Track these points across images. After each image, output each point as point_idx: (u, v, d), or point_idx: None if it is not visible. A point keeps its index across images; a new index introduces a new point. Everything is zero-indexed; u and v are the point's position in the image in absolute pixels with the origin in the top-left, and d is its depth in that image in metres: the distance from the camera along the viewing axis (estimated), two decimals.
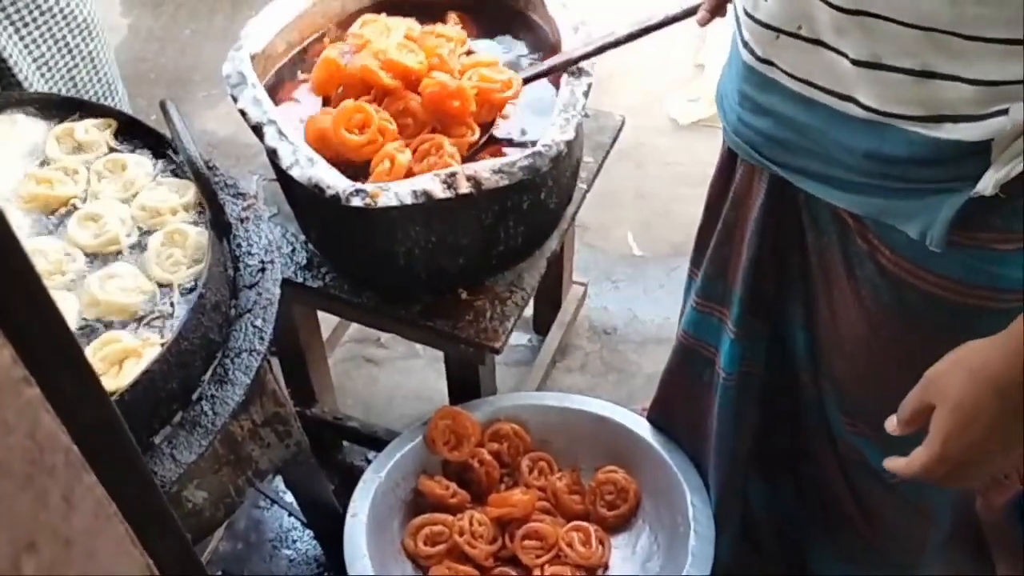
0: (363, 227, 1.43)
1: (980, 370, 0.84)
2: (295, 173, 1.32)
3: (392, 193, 1.28)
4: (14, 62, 1.50)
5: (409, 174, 1.35)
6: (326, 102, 1.48)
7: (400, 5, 1.59)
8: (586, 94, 1.43)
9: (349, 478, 1.70)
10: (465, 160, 1.39)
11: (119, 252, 1.21)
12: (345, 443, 2.00)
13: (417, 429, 1.60)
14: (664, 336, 2.16)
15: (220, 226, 1.24)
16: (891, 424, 0.94)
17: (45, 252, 1.18)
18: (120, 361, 1.08)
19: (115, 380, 1.05)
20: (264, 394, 1.33)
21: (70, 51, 1.60)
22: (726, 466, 1.46)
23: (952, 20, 0.84)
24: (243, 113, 1.39)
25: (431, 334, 1.51)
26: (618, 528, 1.59)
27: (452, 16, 1.58)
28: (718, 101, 1.19)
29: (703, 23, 1.31)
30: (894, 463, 0.93)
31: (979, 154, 0.90)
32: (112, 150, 1.33)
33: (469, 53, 1.52)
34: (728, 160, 1.24)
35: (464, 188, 1.29)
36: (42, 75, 1.56)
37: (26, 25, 1.52)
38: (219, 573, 1.87)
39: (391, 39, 1.45)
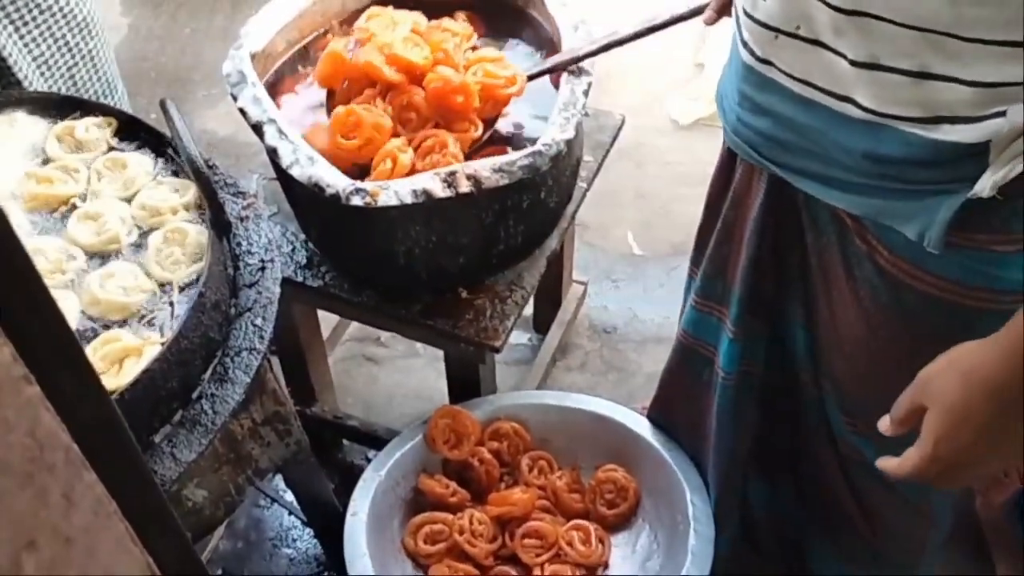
0: (363, 226, 1.43)
1: (973, 372, 0.84)
2: (295, 172, 1.32)
3: (392, 192, 1.28)
4: (14, 61, 1.50)
5: (412, 171, 1.35)
6: (330, 95, 1.48)
7: (404, 1, 1.59)
8: (586, 93, 1.43)
9: (349, 477, 1.71)
10: (467, 155, 1.39)
11: (119, 251, 1.21)
12: (345, 442, 2.00)
13: (417, 428, 1.60)
14: (664, 335, 2.16)
15: (220, 225, 1.24)
16: (884, 424, 0.94)
17: (45, 251, 1.18)
18: (120, 360, 1.08)
19: (115, 379, 1.06)
20: (264, 393, 1.33)
21: (70, 50, 1.60)
22: (725, 465, 1.46)
23: (950, 21, 0.84)
24: (243, 112, 1.40)
25: (431, 333, 1.51)
26: (618, 527, 1.59)
27: (460, 15, 1.58)
28: (718, 101, 1.19)
29: (709, 23, 1.31)
30: (886, 463, 0.93)
31: (977, 156, 0.90)
32: (112, 149, 1.33)
33: (475, 49, 1.52)
34: (728, 160, 1.24)
35: (464, 187, 1.29)
36: (42, 74, 1.56)
37: (26, 24, 1.52)
38: (219, 572, 1.87)
39: (397, 33, 1.45)
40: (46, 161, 1.31)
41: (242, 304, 1.23)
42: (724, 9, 1.30)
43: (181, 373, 1.11)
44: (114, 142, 1.34)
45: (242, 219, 1.32)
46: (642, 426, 1.61)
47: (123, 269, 1.18)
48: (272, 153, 1.36)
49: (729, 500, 1.50)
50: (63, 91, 1.60)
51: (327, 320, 1.95)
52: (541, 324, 2.15)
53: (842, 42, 0.92)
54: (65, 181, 1.28)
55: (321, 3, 1.59)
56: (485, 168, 1.30)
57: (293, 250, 1.58)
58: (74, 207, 1.26)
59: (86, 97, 1.63)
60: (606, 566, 1.54)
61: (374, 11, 1.52)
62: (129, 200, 1.27)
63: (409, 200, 1.28)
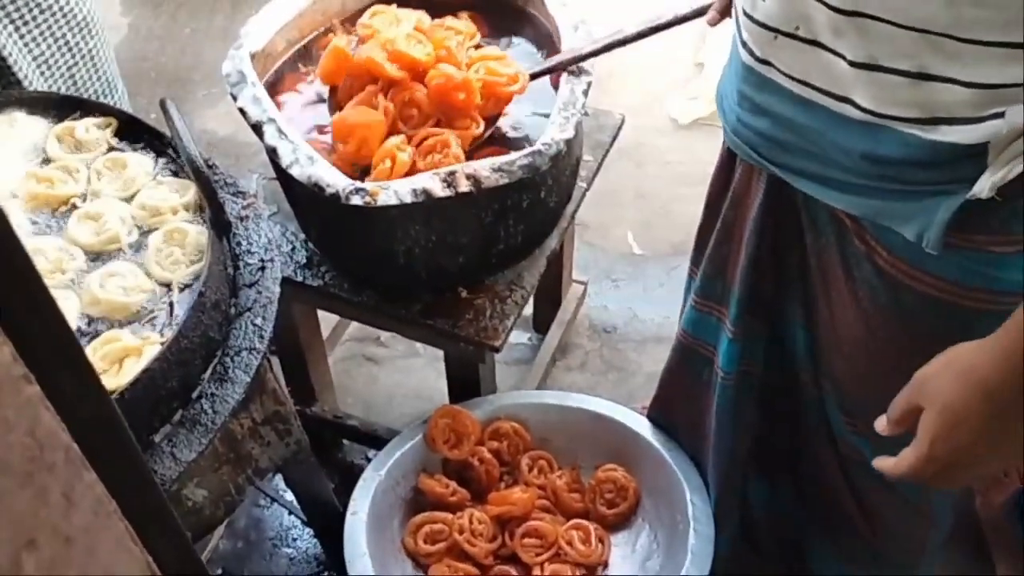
0: (363, 226, 1.43)
1: (969, 373, 0.84)
2: (295, 172, 1.32)
3: (391, 192, 1.28)
4: (14, 60, 1.50)
5: (413, 169, 1.35)
6: (333, 91, 1.48)
7: (408, 0, 1.59)
8: (586, 93, 1.43)
9: (349, 476, 1.71)
10: (468, 152, 1.39)
11: (119, 251, 1.22)
12: (345, 441, 2.00)
13: (417, 427, 1.60)
14: (664, 335, 2.16)
15: (220, 225, 1.24)
16: (881, 424, 0.94)
17: (45, 251, 1.19)
18: (120, 360, 1.08)
19: (115, 379, 1.06)
20: (264, 392, 1.33)
21: (70, 49, 1.60)
22: (725, 465, 1.46)
23: (948, 22, 0.84)
24: (243, 112, 1.40)
25: (431, 333, 1.51)
26: (618, 526, 1.59)
27: (464, 15, 1.58)
28: (718, 101, 1.19)
29: (713, 23, 1.31)
30: (883, 463, 0.94)
31: (975, 157, 0.90)
32: (112, 149, 1.34)
33: (478, 47, 1.52)
34: (727, 159, 1.24)
35: (464, 187, 1.29)
36: (42, 73, 1.56)
37: (26, 23, 1.52)
38: (219, 571, 1.87)
39: (400, 30, 1.45)
40: (46, 161, 1.31)
41: (242, 304, 1.23)
42: (727, 10, 1.30)
43: (181, 373, 1.11)
44: (114, 142, 1.34)
45: (242, 219, 1.32)
46: (642, 426, 1.61)
47: (123, 269, 1.18)
48: (272, 153, 1.36)
49: (729, 500, 1.51)
50: (63, 91, 1.60)
51: (327, 320, 1.95)
52: (541, 324, 2.15)
53: (841, 43, 0.92)
54: (65, 181, 1.28)
55: (321, 3, 1.59)
56: (485, 168, 1.30)
57: (293, 250, 1.58)
58: (74, 207, 1.26)
59: (86, 97, 1.63)
60: (606, 565, 1.54)
61: (378, 8, 1.53)
62: (129, 200, 1.27)
63: (409, 200, 1.28)
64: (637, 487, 1.59)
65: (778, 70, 1.01)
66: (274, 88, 1.52)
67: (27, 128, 1.34)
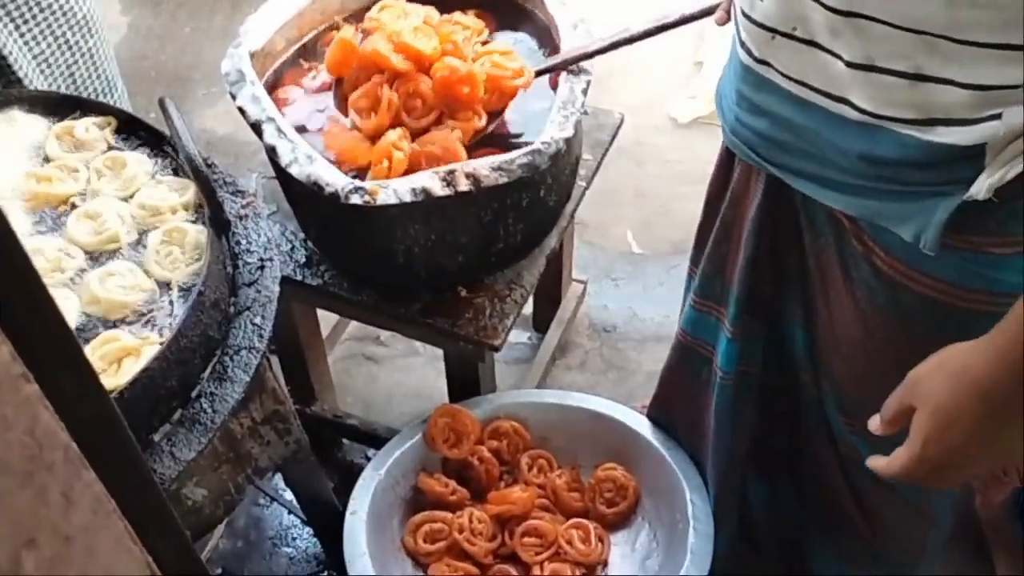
0: (362, 225, 1.43)
1: (962, 373, 0.84)
2: (294, 171, 1.32)
3: (391, 191, 1.28)
4: (14, 59, 1.50)
5: (414, 160, 1.35)
6: (339, 83, 1.48)
7: None
8: (585, 92, 1.43)
9: (349, 476, 1.70)
10: (470, 146, 1.39)
11: (118, 250, 1.22)
12: (345, 441, 2.01)
13: (417, 427, 1.60)
14: (664, 334, 2.16)
15: (219, 224, 1.24)
16: (874, 424, 0.94)
17: (44, 250, 1.19)
18: (119, 359, 1.08)
19: (114, 378, 1.06)
20: (263, 392, 1.33)
21: (70, 48, 1.60)
22: (723, 465, 1.47)
23: (946, 24, 0.84)
24: (242, 111, 1.40)
25: (431, 332, 1.51)
26: (617, 525, 1.59)
27: (471, 12, 1.58)
28: (717, 101, 1.19)
29: (721, 23, 1.30)
30: (876, 462, 0.94)
31: (973, 158, 0.90)
32: (112, 148, 1.34)
33: (484, 44, 1.52)
34: (726, 159, 1.24)
35: (463, 186, 1.29)
36: (41, 72, 1.56)
37: (26, 22, 1.52)
38: (219, 571, 1.87)
39: (407, 23, 1.45)
40: (46, 160, 1.31)
41: (241, 303, 1.23)
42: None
43: (180, 372, 1.11)
44: (113, 141, 1.34)
45: (241, 218, 1.32)
46: (642, 425, 1.61)
47: (122, 268, 1.18)
48: (271, 152, 1.36)
49: (727, 499, 1.51)
50: (63, 89, 1.60)
51: (326, 319, 1.95)
52: (541, 323, 2.15)
53: (838, 43, 0.92)
54: (64, 180, 1.28)
55: (320, 2, 1.59)
56: (484, 167, 1.30)
57: (292, 249, 1.58)
58: (73, 206, 1.26)
59: (85, 96, 1.63)
60: (605, 565, 1.54)
61: (386, 3, 1.52)
62: (128, 199, 1.27)
63: (408, 199, 1.28)
64: (637, 486, 1.59)
65: (776, 70, 1.01)
66: (274, 86, 1.52)
67: (27, 127, 1.34)
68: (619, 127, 1.78)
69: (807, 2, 0.92)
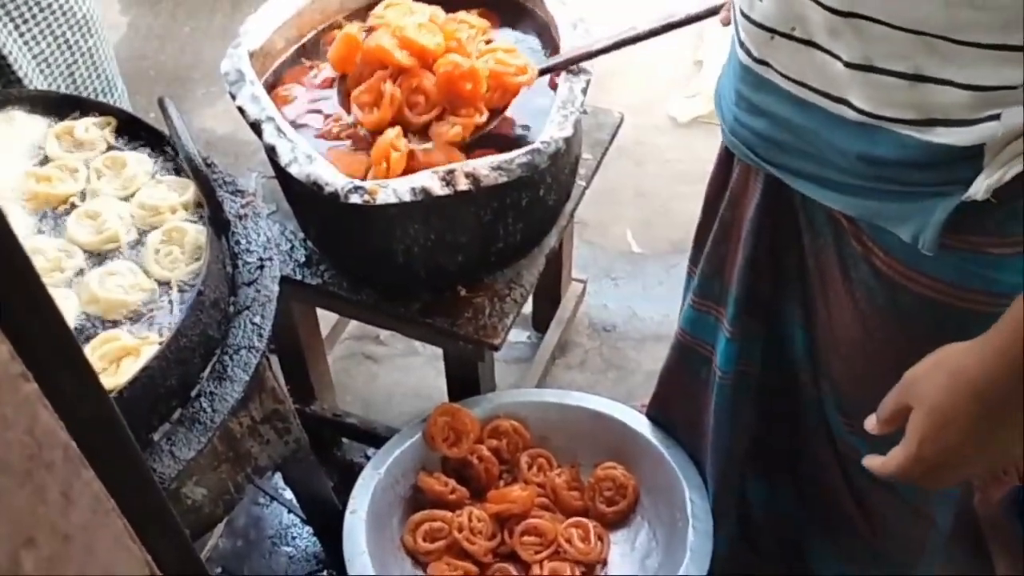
0: (362, 224, 1.43)
1: (958, 373, 0.84)
2: (293, 170, 1.32)
3: (390, 190, 1.28)
4: (13, 59, 1.50)
5: (411, 163, 1.35)
6: (342, 79, 1.48)
7: None
8: (584, 91, 1.42)
9: (348, 475, 1.70)
10: (470, 140, 1.39)
11: (118, 250, 1.22)
12: (344, 440, 2.01)
13: (416, 426, 1.60)
14: (663, 333, 2.16)
15: (219, 223, 1.24)
16: (871, 423, 0.94)
17: (44, 250, 1.19)
18: (119, 359, 1.08)
19: (113, 378, 1.06)
20: (263, 391, 1.33)
21: (69, 48, 1.60)
22: (722, 464, 1.47)
23: (945, 24, 0.84)
24: (241, 110, 1.40)
25: (430, 331, 1.51)
26: (617, 524, 1.59)
27: (475, 12, 1.58)
28: (716, 100, 1.19)
29: (725, 23, 1.30)
30: (872, 461, 0.94)
31: (971, 159, 0.89)
32: (111, 148, 1.34)
33: (488, 42, 1.52)
34: (725, 159, 1.24)
35: (463, 185, 1.29)
36: (41, 72, 1.56)
37: (25, 22, 1.52)
38: (219, 570, 1.87)
39: (412, 19, 1.45)
40: (45, 160, 1.31)
41: (241, 302, 1.24)
42: None
43: (180, 371, 1.12)
44: (113, 141, 1.34)
45: (241, 217, 1.32)
46: (641, 424, 1.61)
47: (122, 268, 1.18)
48: (270, 151, 1.36)
49: (726, 499, 1.51)
50: (62, 89, 1.60)
51: (326, 318, 1.95)
52: (540, 322, 2.15)
53: (837, 43, 0.92)
54: (64, 180, 1.28)
55: (320, 1, 1.59)
56: (484, 166, 1.30)
57: (292, 248, 1.58)
58: (73, 206, 1.26)
59: (85, 95, 1.63)
60: (605, 563, 1.54)
61: (392, 0, 1.52)
62: (128, 199, 1.27)
63: (408, 198, 1.28)
64: (636, 485, 1.59)
65: (775, 70, 1.01)
66: (275, 83, 1.52)
67: (26, 127, 1.34)
68: (619, 126, 1.78)
69: (806, 2, 0.92)
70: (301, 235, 1.59)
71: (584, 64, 1.45)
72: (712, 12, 1.34)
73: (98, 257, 1.21)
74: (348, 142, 1.45)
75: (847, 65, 0.92)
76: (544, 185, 1.47)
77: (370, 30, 1.49)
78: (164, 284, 1.18)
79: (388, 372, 2.18)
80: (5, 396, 0.44)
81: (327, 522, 1.67)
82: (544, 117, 1.39)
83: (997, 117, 0.86)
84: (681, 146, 2.63)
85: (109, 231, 1.21)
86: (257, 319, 1.22)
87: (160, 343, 1.09)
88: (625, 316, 2.27)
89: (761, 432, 1.42)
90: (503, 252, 1.50)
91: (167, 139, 1.30)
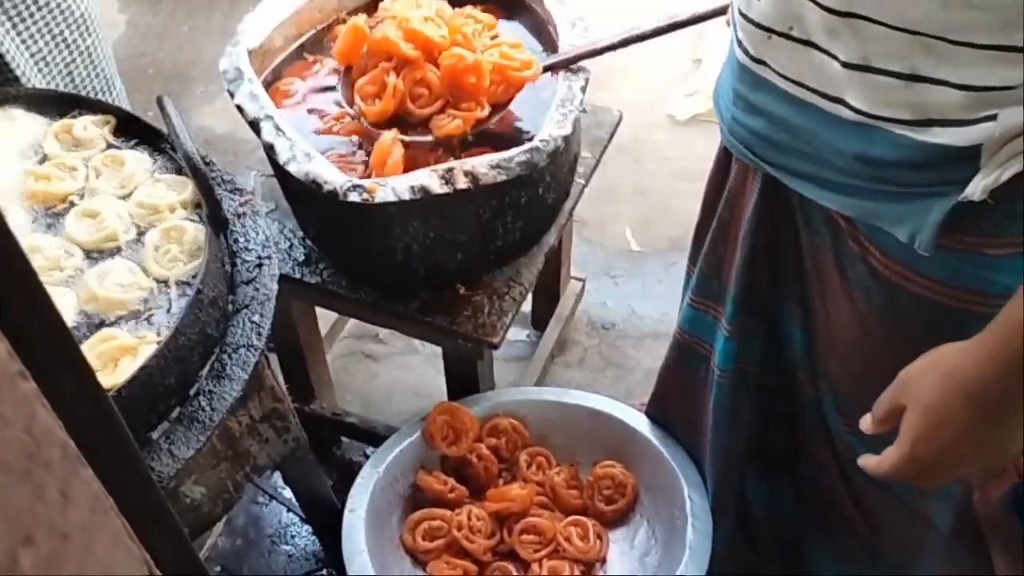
0: (361, 223, 1.43)
1: (952, 374, 0.84)
2: (292, 169, 1.32)
3: (389, 189, 1.28)
4: (11, 57, 1.50)
5: (410, 167, 1.35)
6: (347, 71, 1.48)
7: None
8: (583, 89, 1.42)
9: (348, 474, 1.71)
10: (470, 137, 1.39)
11: (117, 248, 1.22)
12: (344, 439, 2.01)
13: (415, 424, 1.60)
14: (662, 331, 2.16)
15: (217, 222, 1.24)
16: (866, 422, 0.95)
17: (43, 248, 1.19)
18: (116, 358, 1.08)
19: (111, 377, 1.05)
20: (262, 390, 1.33)
21: (67, 46, 1.60)
22: (721, 462, 1.47)
23: (941, 25, 0.84)
24: (240, 108, 1.40)
25: (429, 330, 1.51)
26: (616, 523, 1.59)
27: (479, 8, 1.58)
28: (715, 99, 1.19)
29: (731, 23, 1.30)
30: (867, 461, 0.94)
31: (968, 159, 0.89)
32: (110, 146, 1.33)
33: (494, 38, 1.52)
34: (724, 158, 1.24)
35: (462, 183, 1.29)
36: (39, 70, 1.56)
37: (23, 20, 1.51)
38: (218, 569, 1.87)
39: (418, 12, 1.45)
40: (44, 158, 1.31)
41: (240, 301, 1.23)
42: None
43: (179, 370, 1.11)
44: (112, 139, 1.34)
45: (239, 216, 1.32)
46: (640, 422, 1.61)
47: (121, 266, 1.18)
48: (269, 149, 1.36)
49: (725, 497, 1.51)
50: (61, 88, 1.60)
51: (325, 317, 1.95)
52: (539, 320, 2.15)
53: (834, 43, 0.92)
54: (63, 178, 1.28)
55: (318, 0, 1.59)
56: (483, 164, 1.30)
57: (291, 247, 1.58)
58: (72, 204, 1.26)
59: (84, 94, 1.63)
60: (604, 562, 1.55)
61: None
62: (127, 197, 1.27)
63: (407, 196, 1.28)
64: (635, 483, 1.59)
65: (773, 70, 1.01)
66: (275, 81, 1.52)
67: (25, 126, 1.34)
68: (618, 124, 1.78)
69: (804, 2, 0.92)
70: (300, 233, 1.59)
71: (583, 62, 1.45)
72: (718, 12, 1.34)
73: (97, 255, 1.21)
74: (348, 138, 1.45)
75: (844, 65, 0.92)
76: (543, 183, 1.47)
77: (377, 23, 1.49)
78: (163, 283, 1.18)
79: (387, 371, 2.18)
80: (3, 395, 0.44)
81: (326, 521, 1.67)
82: (543, 113, 1.39)
83: (994, 118, 0.86)
84: (680, 144, 2.63)
85: (108, 230, 1.21)
86: (256, 318, 1.22)
87: (159, 342, 1.09)
88: (624, 314, 2.27)
89: (760, 431, 1.42)
90: (502, 250, 1.50)
91: (166, 137, 1.30)
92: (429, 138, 1.40)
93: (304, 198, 1.50)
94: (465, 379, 1.66)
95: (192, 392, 1.15)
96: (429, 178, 1.29)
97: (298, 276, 1.54)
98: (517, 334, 2.19)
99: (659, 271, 2.35)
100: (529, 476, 1.60)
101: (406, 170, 1.35)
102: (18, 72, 1.51)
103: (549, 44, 1.55)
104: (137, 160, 1.30)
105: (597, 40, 1.45)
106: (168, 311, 1.15)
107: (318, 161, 1.32)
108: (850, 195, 1.01)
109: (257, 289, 1.25)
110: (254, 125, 1.38)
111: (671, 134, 2.67)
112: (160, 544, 0.60)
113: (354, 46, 1.46)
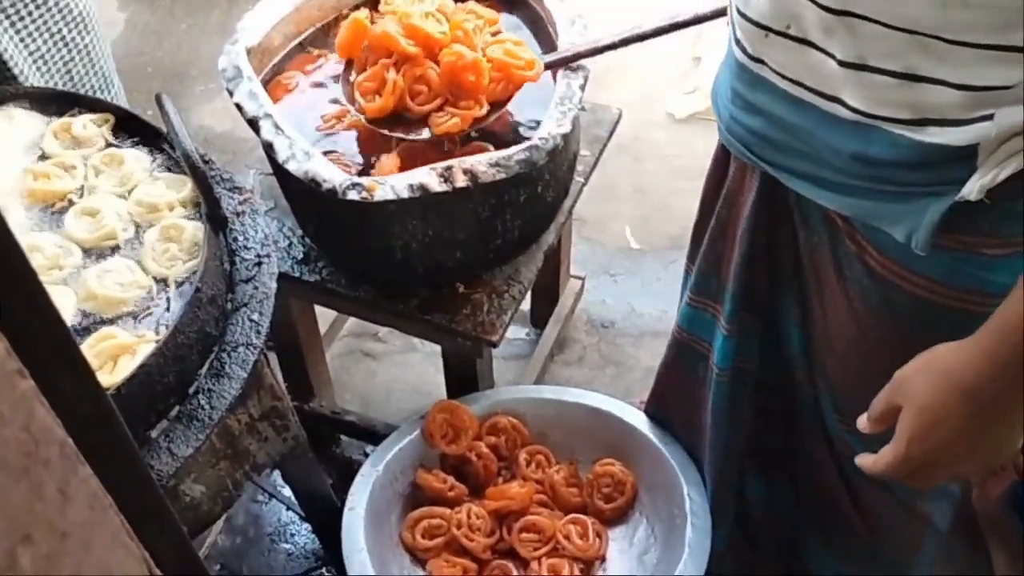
0: (360, 221, 1.43)
1: (948, 373, 0.84)
2: (291, 167, 1.32)
3: (388, 187, 1.28)
4: (10, 56, 1.50)
5: (408, 165, 1.35)
6: (348, 65, 1.48)
7: None
8: (583, 87, 1.42)
9: (347, 472, 1.71)
10: (470, 134, 1.39)
11: (116, 247, 1.22)
12: (343, 437, 2.00)
13: (415, 423, 1.60)
14: (662, 329, 2.16)
15: (216, 220, 1.24)
16: (862, 422, 0.95)
17: (42, 247, 1.19)
18: (115, 357, 1.08)
19: (109, 376, 1.05)
20: (261, 388, 1.33)
21: (66, 45, 1.60)
22: (720, 461, 1.47)
23: (938, 24, 0.84)
24: (239, 107, 1.39)
25: (429, 328, 1.51)
26: (615, 521, 1.59)
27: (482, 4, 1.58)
28: (713, 98, 1.19)
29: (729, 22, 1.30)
30: (863, 460, 0.94)
31: (965, 159, 0.89)
32: (109, 145, 1.33)
33: (495, 34, 1.51)
34: (722, 156, 1.24)
35: (461, 182, 1.29)
36: (38, 69, 1.56)
37: (22, 19, 1.51)
38: (217, 567, 1.87)
39: (420, 8, 1.45)
40: (43, 157, 1.31)
41: (239, 299, 1.23)
42: None
43: (178, 368, 1.11)
44: (111, 138, 1.34)
45: (238, 214, 1.32)
46: (639, 420, 1.61)
47: (119, 265, 1.18)
48: (268, 148, 1.36)
49: (724, 495, 1.51)
50: (59, 86, 1.59)
51: (324, 315, 1.95)
52: (539, 319, 2.15)
53: (831, 42, 0.92)
54: (62, 177, 1.28)
55: None
56: (482, 163, 1.30)
57: (290, 245, 1.58)
58: (71, 203, 1.26)
59: (82, 92, 1.63)
60: (603, 560, 1.55)
61: None
62: (126, 196, 1.27)
63: (406, 195, 1.28)
64: (635, 481, 1.59)
65: (770, 68, 1.01)
66: (274, 79, 1.52)
67: (24, 124, 1.34)
68: (617, 123, 1.78)
69: (801, 0, 0.92)
70: (299, 232, 1.59)
71: (583, 60, 1.45)
72: (720, 13, 1.34)
73: (96, 254, 1.21)
74: (348, 133, 1.45)
75: (841, 64, 0.92)
76: (542, 181, 1.47)
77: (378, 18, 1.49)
78: (162, 281, 1.18)
79: (386, 369, 2.18)
80: (1, 393, 0.44)
81: (326, 519, 1.67)
82: (542, 111, 1.39)
83: (991, 117, 0.86)
84: (679, 142, 2.63)
85: (107, 228, 1.21)
86: (255, 316, 1.22)
87: (157, 340, 1.09)
88: (623, 312, 2.27)
89: (758, 429, 1.42)
90: (501, 249, 1.50)
91: (165, 136, 1.30)
92: (426, 134, 1.40)
93: (303, 196, 1.50)
94: (464, 377, 1.66)
95: (191, 390, 1.15)
96: (428, 176, 1.29)
97: (297, 274, 1.54)
98: (516, 332, 2.19)
99: (658, 269, 2.35)
100: (528, 474, 1.60)
101: (405, 168, 1.35)
102: (16, 71, 1.51)
103: (547, 42, 1.55)
104: (136, 158, 1.30)
105: (597, 38, 1.45)
106: (167, 309, 1.15)
107: (317, 159, 1.32)
108: (847, 194, 1.01)
109: (256, 287, 1.25)
110: (253, 123, 1.38)
111: (670, 132, 2.67)
112: (159, 542, 0.60)
113: (355, 40, 1.46)
